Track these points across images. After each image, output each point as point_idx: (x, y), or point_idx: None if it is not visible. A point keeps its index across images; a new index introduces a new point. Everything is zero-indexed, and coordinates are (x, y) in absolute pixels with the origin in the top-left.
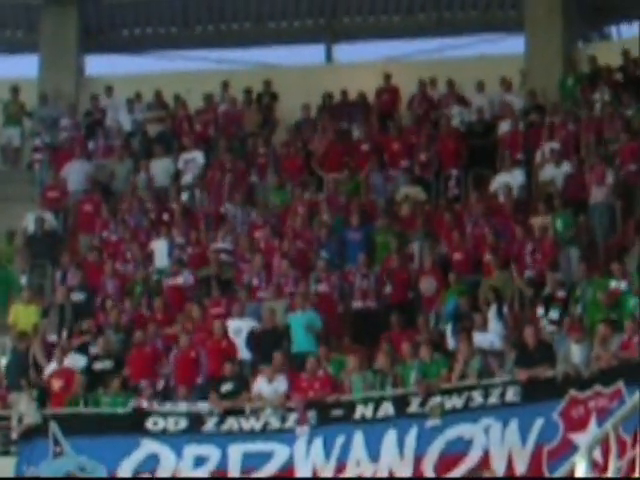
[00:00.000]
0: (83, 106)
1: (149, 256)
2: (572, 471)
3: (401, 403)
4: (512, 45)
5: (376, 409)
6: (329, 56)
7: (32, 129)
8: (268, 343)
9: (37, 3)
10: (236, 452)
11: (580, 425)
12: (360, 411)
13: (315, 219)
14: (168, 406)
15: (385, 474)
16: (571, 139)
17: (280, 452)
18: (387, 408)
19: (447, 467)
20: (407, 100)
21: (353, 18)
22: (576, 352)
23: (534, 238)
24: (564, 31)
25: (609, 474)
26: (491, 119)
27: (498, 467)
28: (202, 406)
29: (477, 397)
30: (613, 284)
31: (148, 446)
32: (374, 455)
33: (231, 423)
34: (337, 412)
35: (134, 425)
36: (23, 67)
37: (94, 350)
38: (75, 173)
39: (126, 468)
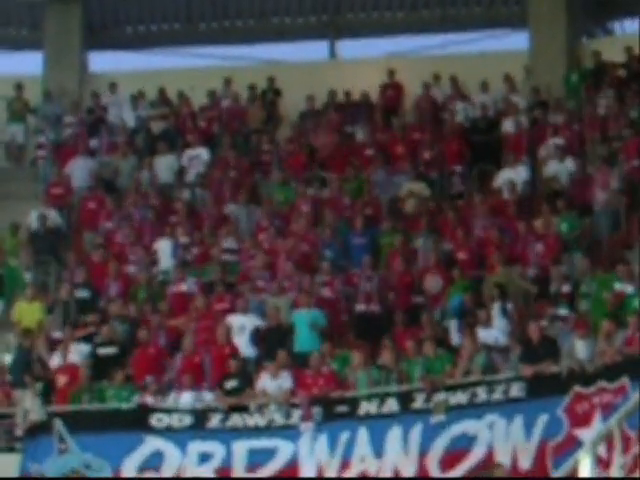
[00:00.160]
0: (87, 103)
1: (153, 257)
2: (576, 467)
3: (405, 399)
4: (516, 41)
5: (380, 405)
6: (333, 52)
7: (36, 126)
8: (272, 341)
9: (41, 0)
10: (241, 448)
11: (584, 421)
12: (364, 407)
13: (319, 221)
14: (172, 397)
15: (390, 470)
16: (575, 136)
17: (285, 448)
18: (391, 404)
19: (452, 463)
20: (412, 100)
21: (357, 14)
22: (581, 348)
23: (538, 235)
24: (568, 27)
25: (613, 470)
26: (495, 115)
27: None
28: (208, 397)
29: (481, 393)
30: (618, 286)
31: (153, 443)
32: (378, 451)
33: (235, 420)
34: (341, 408)
35: (138, 422)
36: (27, 64)
37: (98, 338)
38: (79, 170)
39: (131, 465)
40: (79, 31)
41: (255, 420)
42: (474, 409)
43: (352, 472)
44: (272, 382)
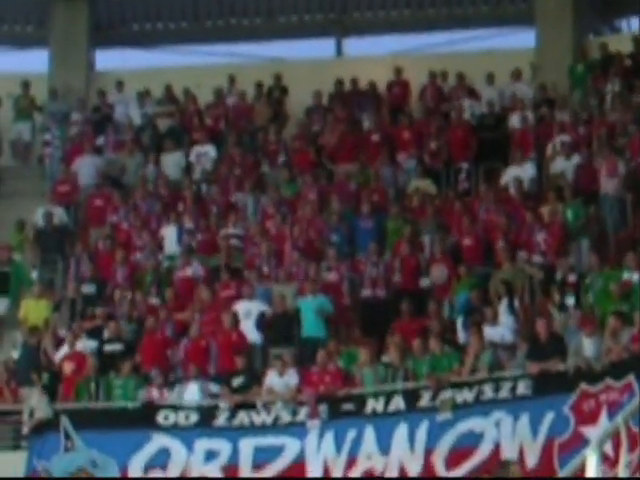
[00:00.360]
0: (93, 101)
1: (159, 243)
2: (583, 465)
3: (412, 397)
4: (523, 39)
5: (387, 403)
6: (339, 50)
7: (42, 124)
8: (279, 328)
9: None
10: (247, 446)
11: (591, 418)
12: (371, 405)
13: (326, 207)
14: (178, 389)
15: (396, 468)
16: (582, 133)
17: (291, 446)
18: (398, 402)
19: (458, 460)
20: (418, 92)
21: (363, 12)
22: (588, 345)
23: (544, 223)
24: (575, 24)
25: (620, 468)
26: (501, 111)
27: None
28: (214, 388)
29: (488, 391)
30: (626, 275)
31: (159, 440)
32: (385, 449)
33: (242, 417)
34: (348, 406)
35: (145, 419)
36: (33, 62)
37: (105, 334)
38: (86, 167)
39: (137, 462)
40: (85, 29)
41: (262, 418)
42: (480, 407)
43: (358, 470)
44: (279, 379)
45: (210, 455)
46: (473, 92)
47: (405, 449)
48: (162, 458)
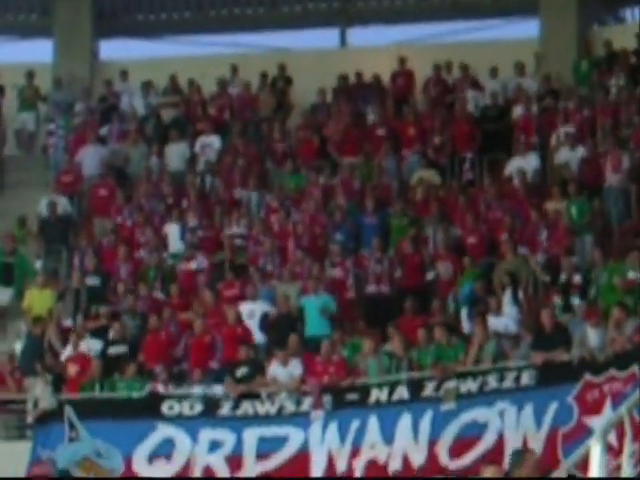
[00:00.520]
0: (97, 91)
1: (163, 240)
2: (587, 454)
3: (416, 387)
4: (527, 29)
5: (391, 393)
6: (343, 40)
7: (46, 114)
8: (283, 328)
9: None
10: (251, 436)
11: (595, 409)
12: (375, 395)
13: (330, 203)
14: (183, 389)
15: (399, 458)
16: (586, 123)
17: (295, 436)
18: (402, 392)
19: (462, 451)
20: (422, 84)
21: (367, 2)
22: (592, 336)
23: (548, 222)
24: (579, 14)
25: (624, 457)
26: (505, 103)
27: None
28: (217, 389)
29: (492, 381)
30: (631, 274)
31: (163, 430)
32: (389, 439)
33: (246, 407)
34: (352, 396)
35: (149, 409)
36: (37, 52)
37: (109, 335)
38: (90, 157)
39: (141, 452)
40: (89, 19)
41: (266, 408)
42: (484, 397)
43: (362, 460)
44: (283, 370)
45: (214, 445)
46: (477, 84)
47: (409, 439)
48: (166, 448)
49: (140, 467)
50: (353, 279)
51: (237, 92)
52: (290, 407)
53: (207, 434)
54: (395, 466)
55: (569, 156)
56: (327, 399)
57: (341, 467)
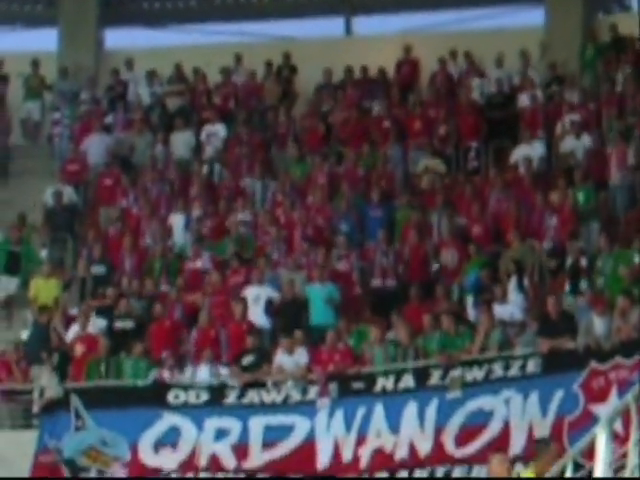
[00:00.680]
0: (103, 79)
1: (168, 231)
2: (593, 442)
3: (422, 375)
4: (532, 17)
5: (397, 381)
6: (348, 29)
7: (52, 103)
8: (288, 314)
9: None
10: (257, 425)
11: (601, 396)
12: (381, 383)
13: (335, 194)
14: (189, 372)
15: (406, 446)
16: (592, 112)
17: (301, 425)
18: (408, 380)
19: (467, 439)
20: (427, 76)
21: None
22: (598, 324)
23: (554, 208)
24: (584, 2)
25: (630, 445)
26: (510, 91)
27: (518, 439)
28: (223, 371)
29: (498, 369)
30: (637, 259)
31: (169, 419)
32: (395, 427)
33: (252, 396)
34: (358, 384)
35: (155, 398)
36: (43, 41)
37: (115, 312)
38: (95, 146)
39: (147, 441)
40: (95, 7)
41: (272, 396)
42: (490, 385)
43: (368, 448)
44: (289, 358)
45: (220, 434)
46: (482, 73)
47: (415, 427)
48: (172, 437)
49: (146, 456)
50: (358, 272)
51: (242, 81)
52: (296, 396)
53: (213, 423)
54: (401, 454)
55: (575, 145)
56: (333, 387)
57: (347, 455)
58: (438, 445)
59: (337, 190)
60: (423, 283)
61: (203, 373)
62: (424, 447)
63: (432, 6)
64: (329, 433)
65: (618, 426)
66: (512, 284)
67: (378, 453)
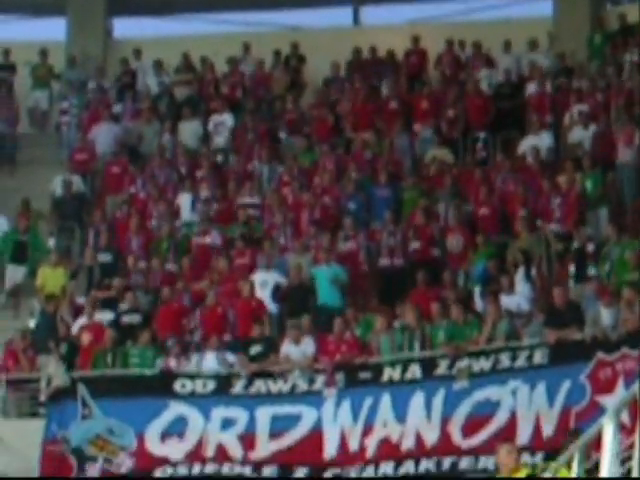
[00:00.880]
0: (111, 69)
1: (176, 211)
2: (599, 433)
3: (429, 365)
4: (540, 7)
5: (404, 371)
6: (356, 18)
7: (60, 92)
8: (295, 299)
9: None
10: (264, 414)
11: (607, 387)
12: (388, 373)
13: (343, 176)
14: (195, 359)
15: (412, 436)
16: (600, 103)
17: (308, 414)
18: (415, 370)
19: (474, 429)
20: (435, 59)
21: None
22: (605, 315)
23: (561, 192)
24: None
25: (637, 436)
26: (518, 80)
27: (525, 429)
28: (231, 358)
29: (505, 359)
30: None
31: (176, 408)
32: (401, 417)
33: (259, 385)
34: (365, 374)
35: (162, 387)
36: (51, 30)
37: (122, 306)
38: (103, 135)
39: (154, 430)
40: None
41: (279, 386)
42: (497, 375)
43: (375, 438)
44: (295, 348)
45: (227, 423)
46: (490, 61)
47: (422, 417)
48: (179, 426)
49: (152, 445)
50: (365, 252)
51: (250, 70)
52: (303, 385)
53: (220, 412)
54: (408, 444)
55: (582, 135)
56: (340, 377)
57: (354, 445)
58: (445, 435)
59: (344, 174)
60: (431, 265)
61: (210, 361)
62: (431, 437)
63: None
64: (336, 423)
65: (625, 417)
66: (519, 275)
67: (385, 443)
